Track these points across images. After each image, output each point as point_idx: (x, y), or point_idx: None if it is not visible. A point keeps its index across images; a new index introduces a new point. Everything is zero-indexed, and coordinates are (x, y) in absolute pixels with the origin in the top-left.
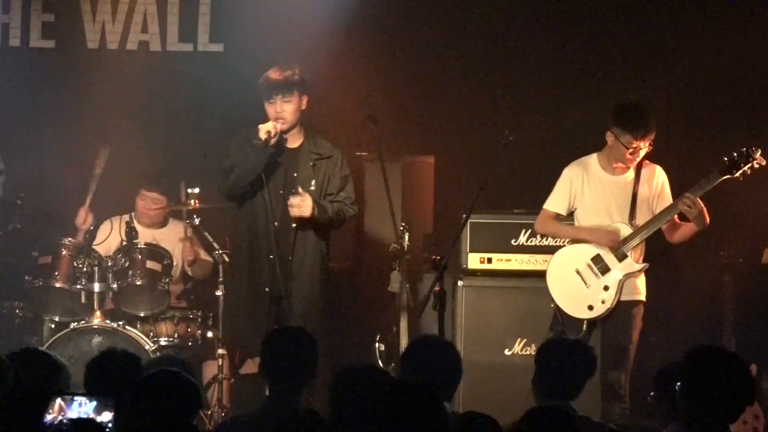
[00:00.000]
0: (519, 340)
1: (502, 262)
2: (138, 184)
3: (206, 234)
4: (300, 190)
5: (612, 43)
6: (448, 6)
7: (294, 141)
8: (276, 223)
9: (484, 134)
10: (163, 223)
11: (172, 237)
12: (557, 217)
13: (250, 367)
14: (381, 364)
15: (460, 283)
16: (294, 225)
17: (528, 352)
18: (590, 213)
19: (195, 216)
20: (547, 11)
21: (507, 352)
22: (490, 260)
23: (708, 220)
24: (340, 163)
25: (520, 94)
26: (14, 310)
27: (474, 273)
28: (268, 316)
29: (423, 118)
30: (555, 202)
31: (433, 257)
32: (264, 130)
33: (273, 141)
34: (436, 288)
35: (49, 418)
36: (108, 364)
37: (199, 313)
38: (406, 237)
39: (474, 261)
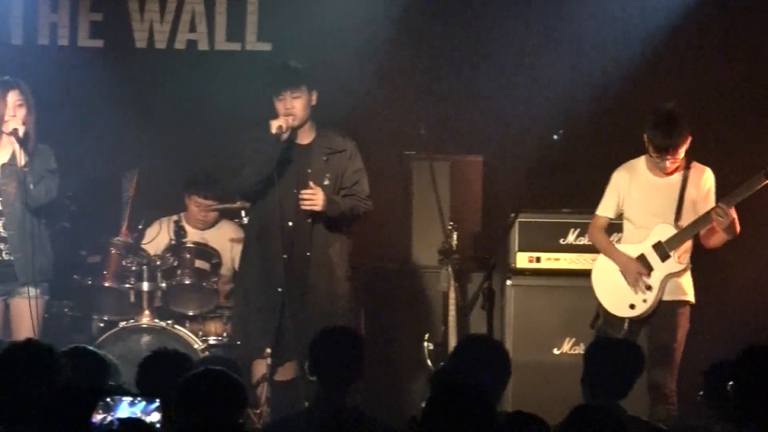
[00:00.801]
0: (567, 339)
1: (550, 261)
2: (186, 189)
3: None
4: (311, 184)
5: (658, 41)
6: (496, 6)
7: (305, 137)
8: (291, 223)
9: (534, 133)
10: (213, 223)
11: (221, 237)
12: (608, 221)
13: (284, 373)
14: (430, 364)
15: (508, 282)
16: (309, 220)
17: (576, 352)
18: (637, 214)
19: (243, 215)
20: None
21: (556, 351)
22: (538, 259)
23: (738, 229)
24: (354, 156)
25: (568, 92)
26: (63, 309)
27: (522, 272)
28: (282, 317)
29: (471, 116)
30: (604, 207)
31: (482, 256)
32: (275, 124)
33: (285, 135)
34: (485, 287)
35: (98, 418)
36: (160, 363)
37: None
38: (455, 236)
39: (522, 260)
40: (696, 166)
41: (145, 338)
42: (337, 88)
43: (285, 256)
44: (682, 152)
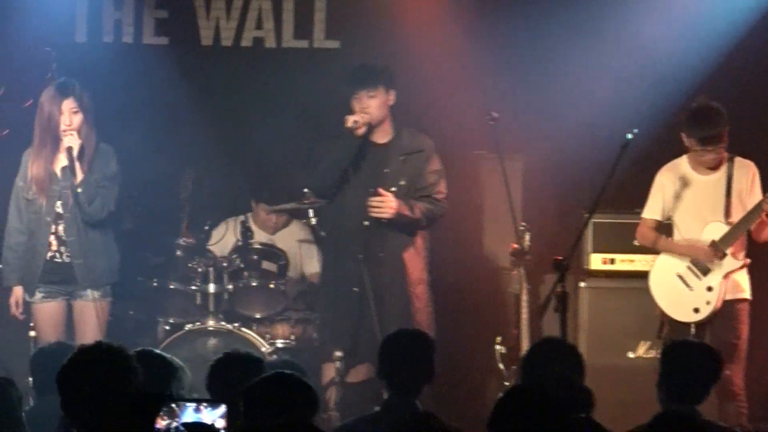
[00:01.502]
0: (642, 342)
1: (625, 263)
2: (253, 195)
3: (323, 234)
4: (381, 190)
5: (725, 42)
6: (565, 5)
7: (383, 136)
8: (366, 222)
9: (606, 131)
10: (283, 226)
11: (289, 238)
12: (656, 224)
13: (357, 374)
14: (501, 367)
15: (582, 284)
16: (385, 222)
17: (652, 355)
18: (685, 215)
19: (311, 215)
20: None
21: (630, 355)
22: (612, 261)
23: None
24: (432, 157)
25: (643, 92)
26: (127, 312)
27: (596, 274)
28: (358, 317)
29: (543, 115)
30: (650, 209)
31: (555, 258)
32: (351, 119)
33: (360, 131)
34: (558, 289)
35: (161, 424)
36: (231, 366)
37: (317, 315)
38: (527, 237)
39: (596, 262)
40: (739, 160)
41: (212, 341)
42: (405, 86)
43: (360, 256)
44: (724, 143)
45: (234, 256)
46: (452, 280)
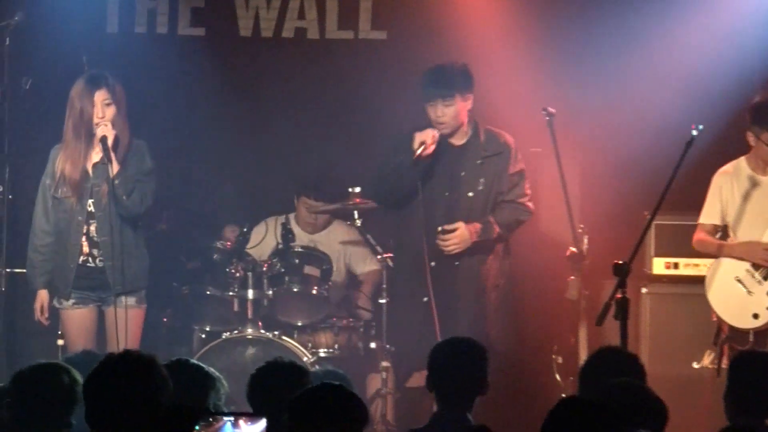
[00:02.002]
0: (708, 352)
1: (689, 267)
2: (296, 190)
3: (369, 237)
4: (446, 227)
5: None
6: (633, 3)
7: (460, 137)
8: (440, 228)
9: (668, 130)
10: (324, 226)
11: (332, 240)
12: (715, 229)
13: (417, 380)
14: (558, 378)
15: (644, 290)
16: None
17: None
18: (745, 217)
19: (357, 217)
20: None
21: (695, 365)
22: (676, 265)
23: None
24: (513, 158)
25: (707, 90)
26: (161, 319)
27: (659, 279)
28: (427, 326)
29: (602, 112)
30: (707, 214)
31: (615, 262)
32: (418, 140)
33: (429, 151)
34: (618, 295)
35: None
36: (274, 376)
37: (362, 323)
38: (585, 240)
39: (659, 266)
40: None
41: (250, 351)
42: None
43: (432, 263)
44: None
45: (275, 259)
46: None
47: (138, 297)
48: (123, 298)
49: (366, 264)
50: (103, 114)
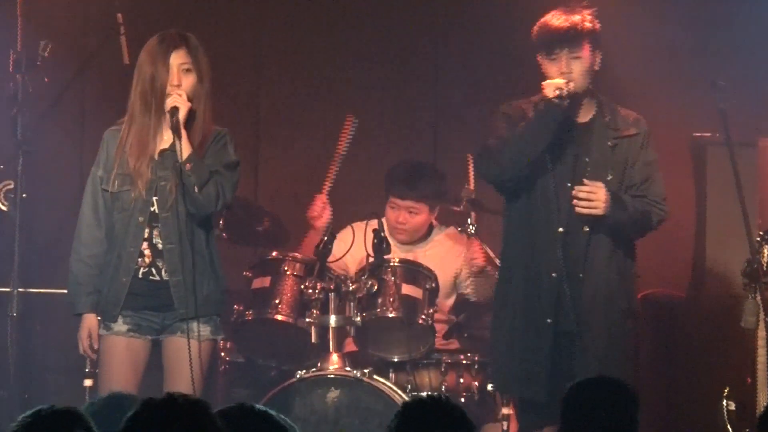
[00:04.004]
0: None
1: None
2: (387, 188)
3: (485, 247)
4: (586, 181)
5: None
6: None
7: (584, 113)
8: (561, 229)
9: None
10: (424, 236)
11: (437, 251)
12: None
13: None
14: (730, 429)
15: None
16: (586, 229)
17: None
18: None
19: (469, 223)
20: None
21: None
22: None
23: None
24: (647, 143)
25: None
26: (218, 353)
27: None
28: (553, 358)
29: None
30: None
31: None
32: (553, 86)
33: (564, 102)
34: None
35: None
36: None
37: (476, 357)
38: (766, 251)
39: None
40: None
41: (333, 394)
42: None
43: (554, 274)
44: None
45: (364, 277)
46: (662, 311)
47: (213, 325)
48: (195, 325)
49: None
50: (179, 81)
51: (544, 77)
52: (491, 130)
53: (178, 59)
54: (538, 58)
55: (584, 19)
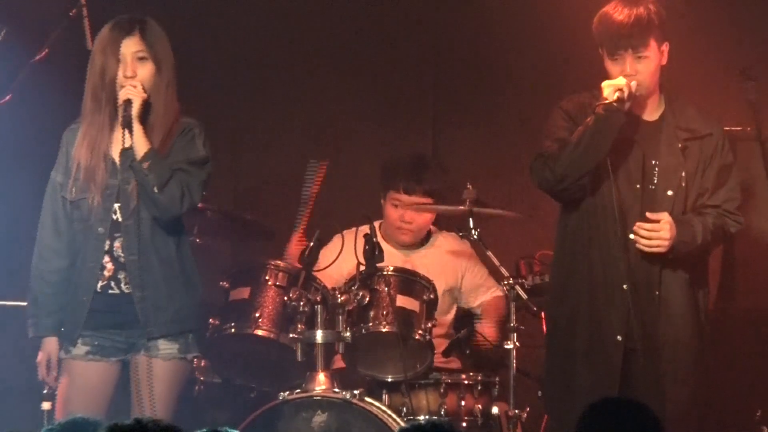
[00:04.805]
0: None
1: None
2: (386, 183)
3: (490, 254)
4: (650, 215)
5: None
6: None
7: (651, 112)
8: (632, 236)
9: None
10: (423, 240)
11: (434, 258)
12: None
13: None
14: None
15: None
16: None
17: None
18: None
19: (472, 228)
20: None
21: None
22: None
23: None
24: (722, 145)
25: None
26: (193, 373)
27: None
28: (619, 382)
29: None
30: None
31: None
32: (614, 87)
33: (626, 105)
34: None
35: None
36: None
37: (479, 377)
38: None
39: None
40: None
41: (320, 417)
42: None
43: (625, 286)
44: None
45: (355, 287)
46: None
47: (182, 343)
48: (159, 343)
49: (485, 291)
50: (134, 72)
51: (605, 75)
52: (548, 131)
53: (131, 47)
54: (600, 52)
55: (649, 11)
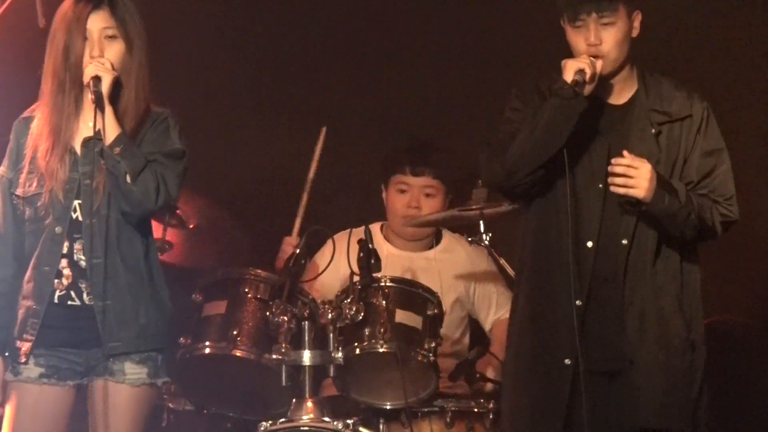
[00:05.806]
0: None
1: None
2: (389, 167)
3: (503, 262)
4: (626, 153)
5: None
6: None
7: (621, 92)
8: (590, 243)
9: None
10: (432, 241)
11: (447, 262)
12: None
13: None
14: None
15: None
16: (624, 242)
17: None
18: None
19: (483, 231)
20: None
21: None
22: None
23: None
24: (707, 126)
25: None
26: (160, 398)
27: None
28: (577, 408)
29: None
30: None
31: None
32: (574, 68)
33: (589, 88)
34: None
35: None
36: None
37: (490, 405)
38: None
39: None
40: None
41: None
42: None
43: (579, 302)
44: None
45: (347, 301)
46: (730, 341)
47: (151, 366)
48: (125, 366)
49: (499, 309)
50: (101, 51)
51: (569, 51)
52: (500, 121)
53: (98, 23)
54: (561, 24)
55: None
